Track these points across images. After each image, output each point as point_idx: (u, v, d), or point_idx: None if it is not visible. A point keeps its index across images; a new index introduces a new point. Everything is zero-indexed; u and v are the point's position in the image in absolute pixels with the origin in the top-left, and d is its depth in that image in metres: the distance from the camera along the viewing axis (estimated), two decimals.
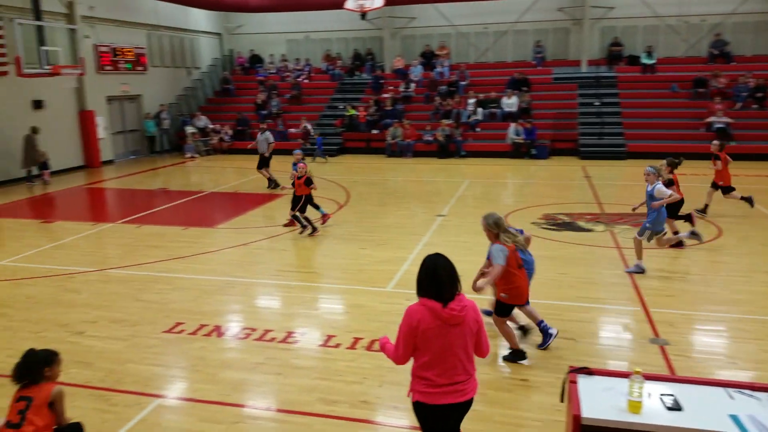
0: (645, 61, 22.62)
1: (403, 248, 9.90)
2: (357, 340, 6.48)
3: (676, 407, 3.48)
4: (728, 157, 11.67)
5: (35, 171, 17.19)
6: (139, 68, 22.14)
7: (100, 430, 4.82)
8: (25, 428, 3.75)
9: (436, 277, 3.50)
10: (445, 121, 21.29)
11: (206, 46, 26.68)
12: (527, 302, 6.16)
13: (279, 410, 5.21)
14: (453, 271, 3.55)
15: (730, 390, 3.65)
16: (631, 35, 23.62)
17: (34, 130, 17.16)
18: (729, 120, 19.30)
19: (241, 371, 5.90)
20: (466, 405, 3.69)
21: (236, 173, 18.51)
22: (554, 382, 5.31)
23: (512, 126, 20.55)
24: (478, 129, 21.72)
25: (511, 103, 21.85)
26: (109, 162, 20.65)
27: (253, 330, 6.85)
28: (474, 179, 17.02)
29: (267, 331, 6.77)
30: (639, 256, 8.52)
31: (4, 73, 16.39)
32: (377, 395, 5.41)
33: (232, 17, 27.33)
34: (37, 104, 17.87)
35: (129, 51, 21.56)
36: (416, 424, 3.72)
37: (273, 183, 15.66)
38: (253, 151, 16.15)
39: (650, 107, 21.33)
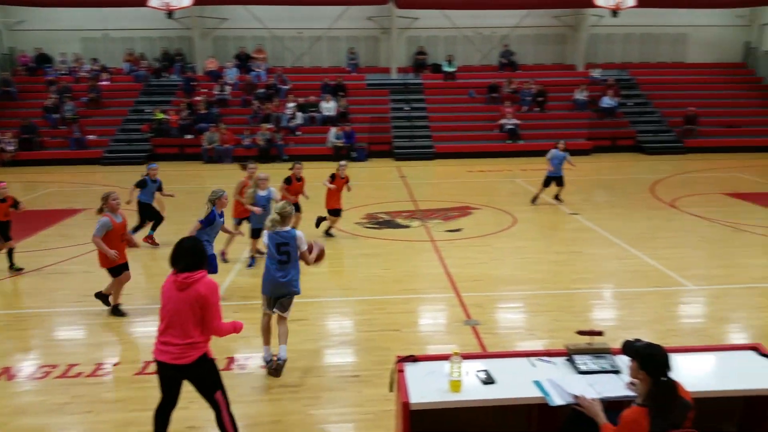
0: (446, 69, 24.42)
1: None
2: None
3: (489, 381, 3.81)
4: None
5: None
6: None
7: None
8: None
9: (175, 252, 4.20)
10: (265, 125, 20.99)
11: None
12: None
13: None
14: (193, 250, 4.20)
15: (532, 359, 4.09)
16: (434, 45, 25.30)
17: None
18: (517, 122, 21.60)
19: (40, 416, 5.20)
20: (184, 370, 4.15)
21: (24, 188, 16.31)
22: (383, 373, 5.39)
23: (332, 130, 20.92)
24: (298, 133, 21.75)
25: (329, 107, 22.22)
26: None
27: (54, 366, 6.07)
28: None
29: (71, 366, 6.05)
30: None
31: None
32: (206, 418, 5.05)
33: (12, 11, 24.16)
34: None
35: None
36: None
37: None
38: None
39: (452, 111, 23.08)
